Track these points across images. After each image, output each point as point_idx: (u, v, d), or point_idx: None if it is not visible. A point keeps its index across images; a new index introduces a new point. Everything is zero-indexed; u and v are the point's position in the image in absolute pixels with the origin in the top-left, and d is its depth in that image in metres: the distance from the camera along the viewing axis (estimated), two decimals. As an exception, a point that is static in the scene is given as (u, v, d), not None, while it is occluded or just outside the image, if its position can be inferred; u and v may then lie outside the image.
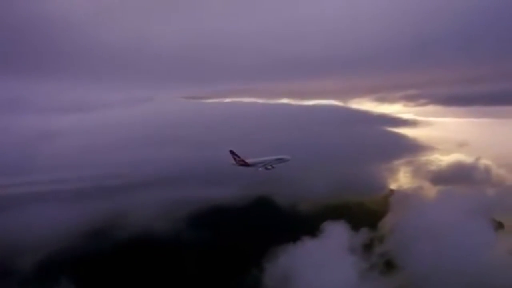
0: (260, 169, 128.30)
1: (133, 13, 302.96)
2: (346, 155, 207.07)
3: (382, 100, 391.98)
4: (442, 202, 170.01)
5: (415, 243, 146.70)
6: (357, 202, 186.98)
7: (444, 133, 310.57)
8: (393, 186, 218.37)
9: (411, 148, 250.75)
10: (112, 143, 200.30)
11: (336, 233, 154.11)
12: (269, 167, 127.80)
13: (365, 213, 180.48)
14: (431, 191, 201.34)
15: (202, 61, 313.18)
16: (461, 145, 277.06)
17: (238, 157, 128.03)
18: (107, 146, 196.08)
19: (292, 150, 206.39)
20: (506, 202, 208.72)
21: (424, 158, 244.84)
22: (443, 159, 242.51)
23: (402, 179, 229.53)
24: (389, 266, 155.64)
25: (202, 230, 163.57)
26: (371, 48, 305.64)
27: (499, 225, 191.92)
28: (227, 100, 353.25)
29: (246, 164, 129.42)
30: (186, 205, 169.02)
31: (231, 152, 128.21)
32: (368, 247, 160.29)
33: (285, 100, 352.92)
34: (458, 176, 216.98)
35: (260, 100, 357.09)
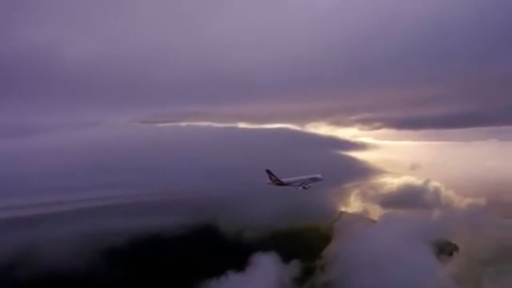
0: (299, 188, 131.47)
1: (82, 35, 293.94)
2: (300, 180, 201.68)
3: (338, 123, 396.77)
4: (388, 227, 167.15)
5: (357, 272, 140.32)
6: (306, 227, 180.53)
7: (397, 156, 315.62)
8: (342, 210, 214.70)
9: (363, 171, 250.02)
10: (47, 169, 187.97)
11: (266, 266, 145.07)
12: (307, 186, 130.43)
13: (311, 240, 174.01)
14: (378, 215, 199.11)
15: (156, 83, 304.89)
16: (413, 168, 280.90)
17: (274, 176, 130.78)
18: (40, 172, 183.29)
19: (245, 174, 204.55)
20: (458, 224, 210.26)
21: (375, 181, 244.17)
22: (394, 181, 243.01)
23: (352, 203, 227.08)
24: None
25: (120, 266, 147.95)
26: (327, 72, 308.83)
27: (454, 247, 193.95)
28: (183, 124, 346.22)
29: (281, 184, 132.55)
30: (112, 237, 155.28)
31: (268, 171, 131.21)
32: (301, 280, 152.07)
33: (242, 124, 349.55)
34: (408, 198, 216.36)
35: (216, 124, 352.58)
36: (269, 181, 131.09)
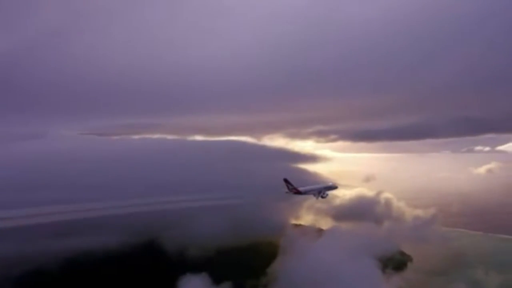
0: (317, 198, 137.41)
1: (28, 42, 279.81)
2: (249, 193, 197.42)
3: (294, 136, 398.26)
4: (334, 241, 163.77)
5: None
6: (254, 243, 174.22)
7: (352, 168, 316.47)
8: (294, 223, 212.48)
9: (317, 184, 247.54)
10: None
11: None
12: (324, 195, 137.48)
13: (258, 256, 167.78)
14: (328, 228, 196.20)
15: (109, 94, 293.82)
16: (367, 180, 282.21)
17: (292, 185, 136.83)
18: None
19: (197, 188, 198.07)
20: (408, 235, 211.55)
21: (328, 193, 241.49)
22: (347, 194, 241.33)
23: (304, 216, 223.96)
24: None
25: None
26: (282, 84, 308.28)
27: (408, 258, 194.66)
28: (136, 136, 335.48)
29: (299, 192, 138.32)
30: (42, 257, 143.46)
31: (285, 180, 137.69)
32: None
33: (198, 137, 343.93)
34: (359, 211, 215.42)
35: (171, 136, 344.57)
36: (286, 190, 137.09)
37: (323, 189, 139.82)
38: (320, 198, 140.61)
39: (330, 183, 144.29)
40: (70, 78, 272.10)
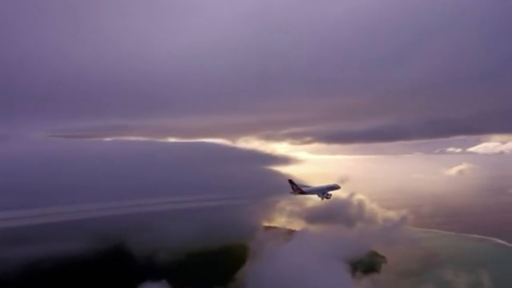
0: (322, 199, 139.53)
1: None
2: (221, 195, 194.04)
3: (269, 138, 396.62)
4: (304, 244, 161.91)
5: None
6: (225, 246, 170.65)
7: (326, 170, 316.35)
8: (266, 226, 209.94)
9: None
10: None
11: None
12: (328, 196, 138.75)
13: (229, 260, 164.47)
14: (298, 231, 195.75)
15: (80, 95, 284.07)
16: (341, 181, 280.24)
17: (296, 186, 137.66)
18: None
19: (169, 191, 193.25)
20: (381, 236, 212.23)
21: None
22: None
23: (277, 218, 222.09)
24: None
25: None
26: (256, 86, 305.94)
27: (382, 259, 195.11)
28: (108, 138, 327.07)
29: (302, 193, 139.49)
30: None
31: (290, 181, 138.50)
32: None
33: (172, 139, 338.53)
34: (332, 212, 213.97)
35: (144, 139, 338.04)
36: (291, 190, 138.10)
37: (326, 189, 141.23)
38: (324, 199, 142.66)
39: (334, 184, 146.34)
40: (37, 78, 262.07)
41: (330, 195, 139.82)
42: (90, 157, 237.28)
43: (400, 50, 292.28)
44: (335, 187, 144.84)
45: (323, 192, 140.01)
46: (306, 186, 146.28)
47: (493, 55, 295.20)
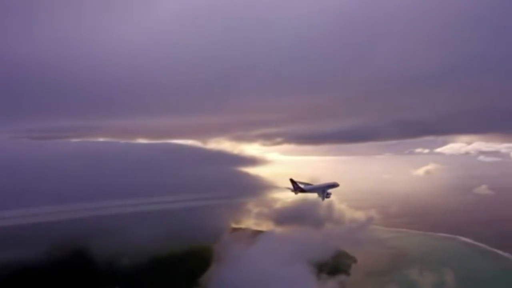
0: (323, 200, 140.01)
1: None
2: (189, 197, 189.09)
3: (240, 139, 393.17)
4: (271, 245, 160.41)
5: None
6: (190, 250, 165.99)
7: (297, 171, 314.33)
8: (234, 228, 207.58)
9: (260, 187, 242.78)
10: None
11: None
12: (328, 195, 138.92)
13: (194, 264, 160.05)
14: (264, 233, 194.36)
15: (44, 93, 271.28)
16: (312, 182, 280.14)
17: (297, 185, 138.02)
18: None
19: (135, 193, 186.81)
20: (349, 237, 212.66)
21: (271, 197, 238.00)
22: (290, 196, 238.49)
23: (245, 220, 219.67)
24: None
25: None
26: (226, 86, 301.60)
27: (352, 259, 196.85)
28: (75, 140, 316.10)
29: (303, 191, 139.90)
30: None
31: (291, 180, 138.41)
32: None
33: (141, 140, 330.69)
34: (301, 214, 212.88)
35: (113, 140, 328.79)
36: (292, 189, 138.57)
37: (325, 187, 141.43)
38: (325, 199, 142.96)
39: (333, 182, 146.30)
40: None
41: (330, 194, 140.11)
42: (54, 158, 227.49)
43: (368, 50, 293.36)
44: (334, 185, 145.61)
45: (323, 190, 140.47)
46: (306, 185, 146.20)
47: (459, 56, 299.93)
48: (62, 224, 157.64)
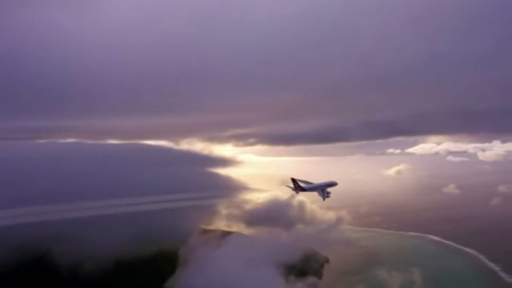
0: (324, 200, 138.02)
1: None
2: (158, 199, 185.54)
3: (212, 140, 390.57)
4: (240, 248, 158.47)
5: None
6: (158, 253, 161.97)
7: (269, 172, 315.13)
8: (204, 229, 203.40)
9: (231, 188, 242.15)
10: None
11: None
12: (328, 195, 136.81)
13: (162, 267, 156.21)
14: (232, 235, 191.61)
15: (10, 92, 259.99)
16: (283, 183, 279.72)
17: (297, 184, 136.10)
18: None
19: (99, 194, 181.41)
20: (322, 237, 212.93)
21: (242, 197, 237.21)
22: (261, 197, 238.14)
23: (215, 221, 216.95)
24: None
25: None
26: (198, 87, 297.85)
27: (324, 259, 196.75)
28: (42, 140, 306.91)
29: (303, 190, 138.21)
30: None
31: (292, 179, 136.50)
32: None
33: (112, 140, 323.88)
34: (272, 214, 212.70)
35: (83, 140, 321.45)
36: (293, 188, 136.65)
37: (324, 186, 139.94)
38: (326, 198, 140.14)
39: (331, 181, 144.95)
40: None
41: (329, 193, 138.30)
42: (19, 160, 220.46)
43: (338, 51, 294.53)
44: (332, 184, 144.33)
45: (322, 189, 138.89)
46: (307, 184, 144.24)
47: (428, 56, 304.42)
48: (24, 227, 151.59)
